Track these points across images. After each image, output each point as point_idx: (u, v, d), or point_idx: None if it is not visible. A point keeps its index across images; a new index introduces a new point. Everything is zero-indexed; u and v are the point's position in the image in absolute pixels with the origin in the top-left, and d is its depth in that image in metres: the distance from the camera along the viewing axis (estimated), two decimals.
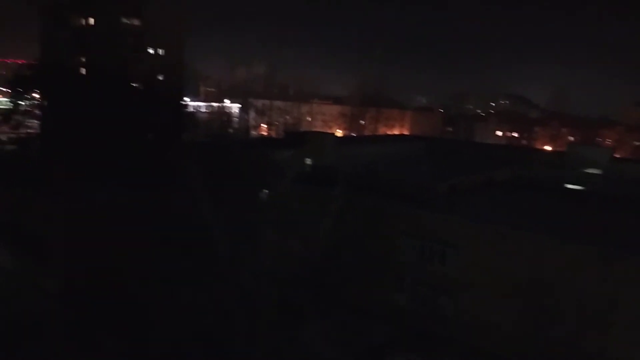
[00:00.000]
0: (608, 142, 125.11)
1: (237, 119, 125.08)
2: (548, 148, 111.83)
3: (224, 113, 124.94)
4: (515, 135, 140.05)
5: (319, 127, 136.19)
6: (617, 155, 79.32)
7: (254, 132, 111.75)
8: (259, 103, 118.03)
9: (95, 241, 30.35)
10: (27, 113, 57.91)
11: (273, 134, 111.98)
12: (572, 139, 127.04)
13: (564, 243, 24.03)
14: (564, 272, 23.30)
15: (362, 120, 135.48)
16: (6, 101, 66.58)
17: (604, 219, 29.89)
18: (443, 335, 26.20)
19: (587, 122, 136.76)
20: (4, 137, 58.41)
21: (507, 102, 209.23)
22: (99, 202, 31.66)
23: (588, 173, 44.42)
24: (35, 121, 61.05)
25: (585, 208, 32.91)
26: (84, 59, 60.62)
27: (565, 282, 23.17)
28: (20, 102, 56.56)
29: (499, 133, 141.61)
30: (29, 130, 58.85)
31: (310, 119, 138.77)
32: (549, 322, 23.41)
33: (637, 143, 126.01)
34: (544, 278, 23.69)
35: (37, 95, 61.44)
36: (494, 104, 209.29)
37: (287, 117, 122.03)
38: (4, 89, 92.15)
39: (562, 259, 23.57)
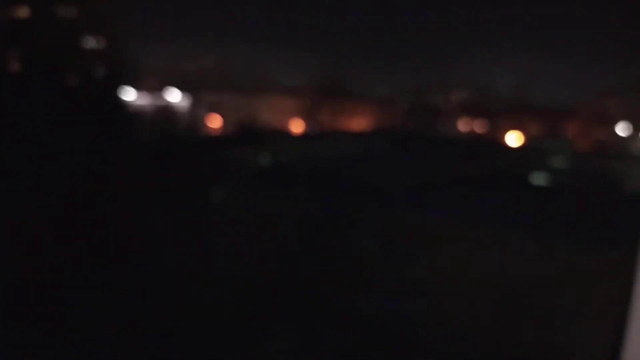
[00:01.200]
0: (572, 134, 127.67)
1: (186, 115, 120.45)
2: (512, 140, 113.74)
3: (172, 108, 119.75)
4: (480, 126, 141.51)
5: (276, 122, 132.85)
6: (581, 148, 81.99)
7: (205, 129, 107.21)
8: (212, 97, 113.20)
9: (34, 253, 28.93)
10: None
11: (227, 131, 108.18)
12: (536, 131, 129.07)
13: (533, 239, 24.68)
14: (534, 270, 23.95)
15: (323, 114, 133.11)
16: None
17: (569, 213, 30.95)
18: (416, 340, 26.41)
19: (551, 114, 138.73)
20: None
21: (471, 93, 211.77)
22: (39, 211, 30.20)
23: (552, 165, 46.00)
24: None
25: (550, 201, 33.97)
26: (16, 53, 57.65)
27: (537, 279, 23.81)
28: None
29: (463, 125, 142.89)
30: None
31: (267, 113, 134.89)
32: (520, 323, 23.99)
33: (601, 135, 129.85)
34: (517, 276, 24.26)
35: None
36: (457, 96, 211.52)
37: (243, 111, 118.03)
38: None
39: (531, 255, 24.21)
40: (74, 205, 27.47)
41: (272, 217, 22.81)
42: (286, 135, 46.99)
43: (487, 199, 33.26)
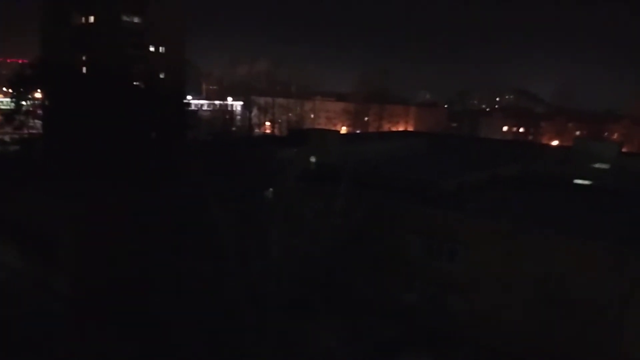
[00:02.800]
0: (615, 136, 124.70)
1: (239, 117, 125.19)
2: (555, 143, 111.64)
3: (226, 111, 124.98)
4: (521, 130, 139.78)
5: (322, 124, 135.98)
6: (625, 150, 78.84)
7: (257, 130, 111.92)
8: (262, 100, 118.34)
9: (104, 241, 30.54)
10: (30, 113, 58.33)
11: (276, 132, 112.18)
12: (578, 133, 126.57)
13: (574, 239, 24.03)
14: (574, 269, 23.32)
15: (366, 116, 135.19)
16: (8, 101, 66.97)
17: (612, 215, 29.87)
18: (453, 333, 26.27)
19: (593, 117, 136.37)
20: (7, 138, 58.67)
21: (512, 97, 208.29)
22: (107, 201, 31.83)
23: (596, 168, 44.36)
24: (38, 121, 61.41)
25: (593, 203, 32.90)
26: (85, 58, 60.82)
27: (576, 279, 23.19)
28: (22, 102, 56.91)
29: (505, 128, 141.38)
30: (31, 131, 59.16)
31: (313, 116, 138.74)
32: (560, 320, 23.44)
33: None
34: (554, 274, 23.72)
35: (39, 95, 61.85)
36: (499, 99, 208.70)
37: (290, 114, 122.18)
38: (6, 90, 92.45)
39: (572, 255, 23.58)
40: (135, 197, 28.37)
41: (318, 211, 22.81)
42: (334, 136, 46.70)
43: (530, 199, 31.68)
